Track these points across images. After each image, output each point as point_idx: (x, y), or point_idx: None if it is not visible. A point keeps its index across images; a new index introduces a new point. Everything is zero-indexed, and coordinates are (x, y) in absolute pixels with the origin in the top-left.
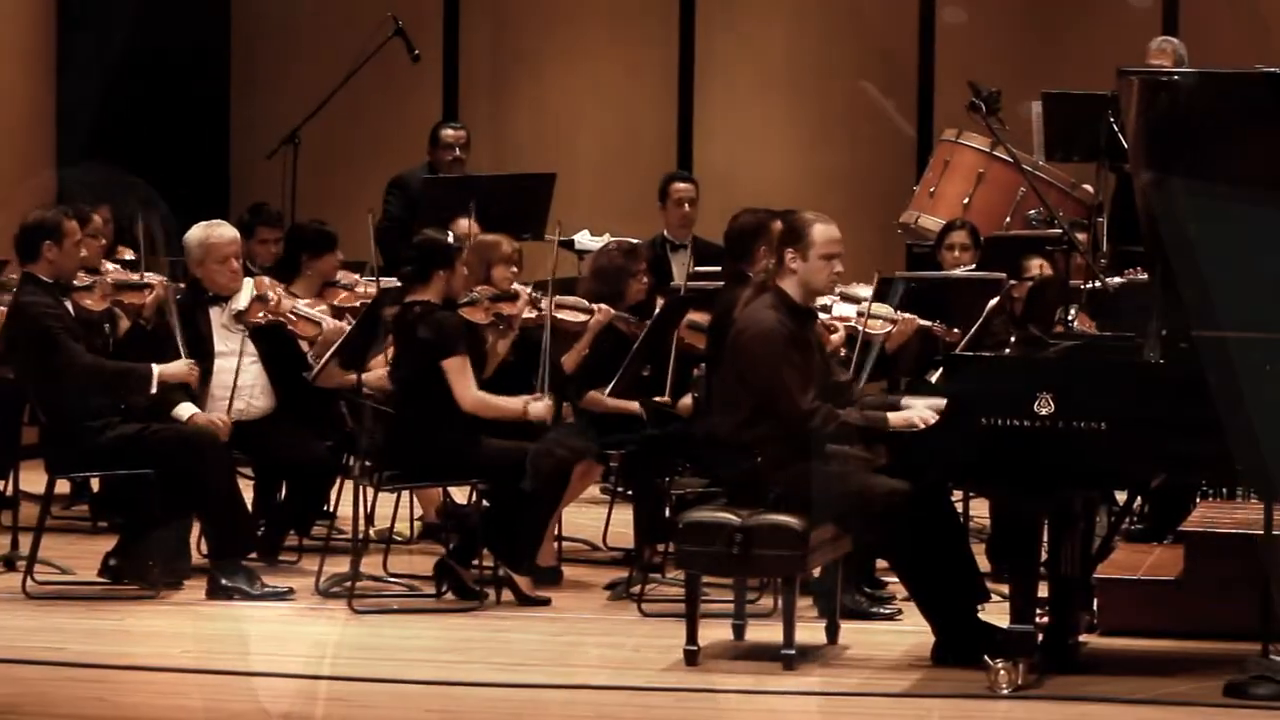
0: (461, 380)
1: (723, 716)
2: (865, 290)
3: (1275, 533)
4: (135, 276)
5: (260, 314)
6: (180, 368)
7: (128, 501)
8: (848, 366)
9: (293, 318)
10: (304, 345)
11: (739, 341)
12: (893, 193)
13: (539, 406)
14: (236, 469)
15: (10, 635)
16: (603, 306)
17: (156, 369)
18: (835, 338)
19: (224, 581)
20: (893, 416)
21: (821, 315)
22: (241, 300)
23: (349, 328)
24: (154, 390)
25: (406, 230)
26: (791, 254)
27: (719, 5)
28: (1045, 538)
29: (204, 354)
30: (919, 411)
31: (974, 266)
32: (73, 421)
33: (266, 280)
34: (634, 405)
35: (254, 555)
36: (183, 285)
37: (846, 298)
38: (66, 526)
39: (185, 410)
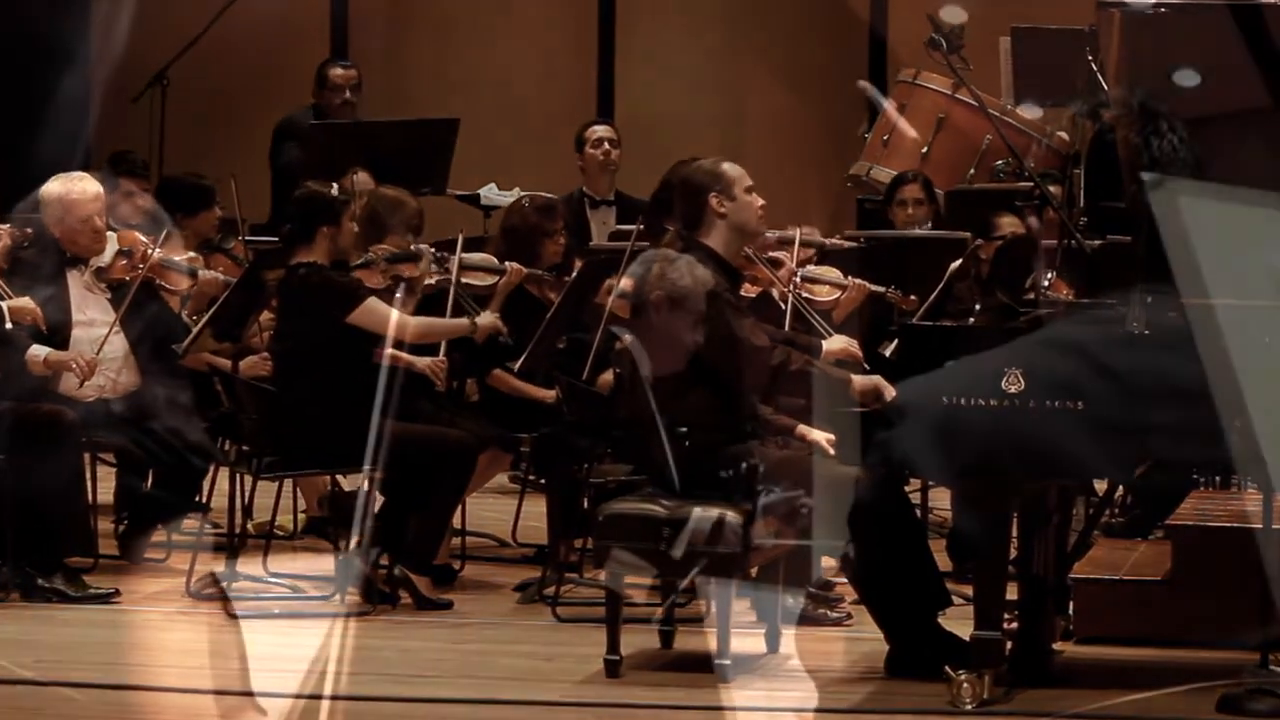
0: (385, 319)
1: None
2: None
3: (1275, 526)
4: None
5: (124, 270)
6: (25, 300)
7: None
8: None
9: (162, 270)
10: (175, 304)
11: (675, 299)
12: (842, 142)
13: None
14: (99, 456)
15: None
16: (514, 265)
17: (4, 304)
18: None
19: (40, 582)
20: (858, 379)
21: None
22: (104, 256)
23: (226, 279)
24: (8, 325)
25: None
26: (716, 199)
27: None
28: (1015, 533)
29: (60, 323)
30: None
31: (929, 224)
32: None
33: (133, 234)
34: (544, 393)
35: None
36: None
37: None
38: None
39: (39, 352)
